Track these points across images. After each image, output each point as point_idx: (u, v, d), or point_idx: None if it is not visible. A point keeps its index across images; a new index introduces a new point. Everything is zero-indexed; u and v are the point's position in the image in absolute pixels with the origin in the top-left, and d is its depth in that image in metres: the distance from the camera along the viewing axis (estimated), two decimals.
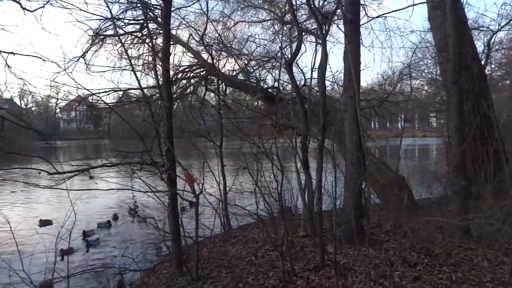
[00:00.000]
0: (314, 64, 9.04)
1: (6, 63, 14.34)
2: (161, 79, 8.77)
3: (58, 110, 77.86)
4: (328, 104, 8.49)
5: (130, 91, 14.04)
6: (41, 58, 14.35)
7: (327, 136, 7.44)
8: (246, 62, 12.33)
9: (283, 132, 9.63)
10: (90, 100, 14.55)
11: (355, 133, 7.28)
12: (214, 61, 11.38)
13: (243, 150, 8.93)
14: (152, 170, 7.93)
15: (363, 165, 6.91)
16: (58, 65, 12.61)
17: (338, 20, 10.96)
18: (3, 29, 14.34)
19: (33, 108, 63.72)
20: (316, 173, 6.26)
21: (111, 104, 14.25)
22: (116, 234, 11.75)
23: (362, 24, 9.12)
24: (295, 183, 9.02)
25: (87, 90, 7.88)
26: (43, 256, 5.95)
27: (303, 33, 9.31)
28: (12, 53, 14.94)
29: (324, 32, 7.70)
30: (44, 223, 12.29)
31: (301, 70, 11.11)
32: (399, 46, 15.16)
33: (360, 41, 8.07)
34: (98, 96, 11.14)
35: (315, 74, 8.91)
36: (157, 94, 12.19)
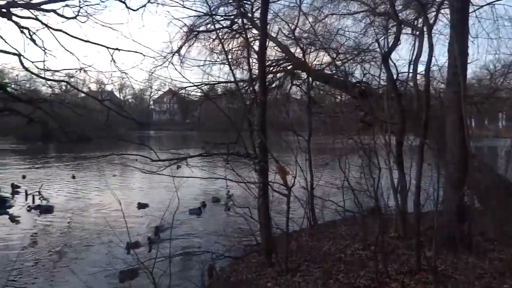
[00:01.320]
0: (412, 57, 8.53)
1: (112, 58, 15.61)
2: (252, 72, 9.01)
3: (151, 102, 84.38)
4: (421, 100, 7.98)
5: (219, 84, 14.69)
6: (141, 54, 15.46)
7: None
8: (335, 55, 12.08)
9: (370, 128, 9.29)
10: (183, 93, 15.47)
11: (459, 131, 6.74)
12: (303, 55, 11.31)
13: (334, 145, 8.77)
14: (243, 161, 8.20)
15: (466, 165, 6.38)
16: (156, 60, 13.71)
17: (440, 10, 10.17)
18: (110, 27, 15.62)
19: (130, 100, 69.91)
20: (416, 172, 5.92)
21: (201, 97, 15.01)
22: (204, 221, 12.39)
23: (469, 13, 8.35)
24: (385, 181, 8.66)
25: (192, 83, 8.35)
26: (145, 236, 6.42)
27: (402, 25, 8.81)
28: (117, 49, 16.22)
29: (429, 22, 7.21)
30: (142, 206, 13.41)
31: (394, 64, 10.57)
32: (509, 36, 13.45)
33: (468, 31, 7.42)
34: (194, 86, 11.75)
35: (405, 68, 8.42)
36: (246, 88, 12.58)
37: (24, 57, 15.83)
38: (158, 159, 7.43)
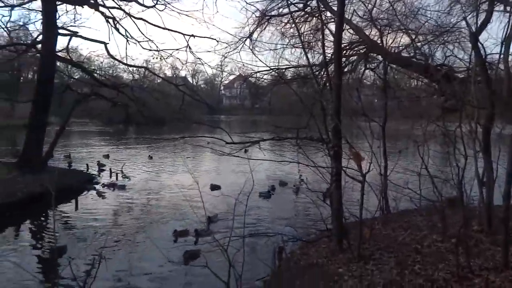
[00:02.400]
0: (504, 37, 7.70)
1: (188, 44, 16.28)
2: (325, 55, 8.81)
3: (222, 88, 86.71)
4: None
5: (289, 69, 14.59)
6: (215, 39, 15.84)
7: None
8: (414, 37, 11.36)
9: (452, 114, 8.65)
10: (254, 78, 15.63)
11: None
12: (380, 36, 10.79)
13: (413, 131, 8.34)
14: (314, 145, 8.13)
15: None
16: (228, 45, 13.99)
17: None
18: (186, 15, 16.20)
19: (202, 86, 72.45)
20: (507, 160, 5.40)
21: (272, 81, 15.06)
22: (274, 204, 12.58)
23: None
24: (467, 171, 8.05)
25: (269, 67, 8.42)
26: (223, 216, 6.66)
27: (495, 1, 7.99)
28: (192, 35, 16.84)
29: None
30: (214, 187, 13.97)
31: (482, 44, 9.65)
32: None
33: None
34: (265, 71, 11.80)
35: (495, 49, 7.62)
36: (318, 71, 12.38)
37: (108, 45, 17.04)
38: (232, 141, 7.67)
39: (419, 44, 11.60)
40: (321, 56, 9.77)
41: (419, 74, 12.14)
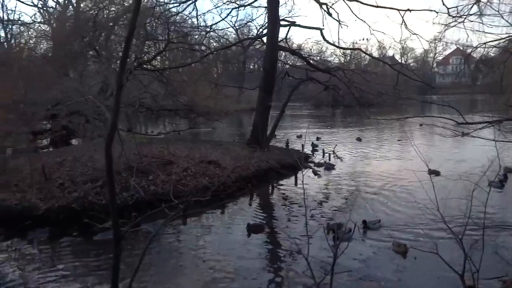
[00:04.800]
0: None
1: (403, 20, 15.35)
2: None
3: (434, 65, 78.78)
4: None
5: None
6: (434, 11, 14.37)
7: None
8: None
9: None
10: (477, 51, 13.52)
11: None
12: None
13: None
14: None
15: None
16: (450, 16, 12.43)
17: None
18: None
19: (411, 64, 67.44)
20: None
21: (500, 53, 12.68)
22: (506, 196, 10.74)
23: None
24: None
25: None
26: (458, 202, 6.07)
27: None
28: (408, 10, 15.82)
29: None
30: (432, 172, 12.88)
31: None
32: None
33: None
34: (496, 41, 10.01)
35: None
36: None
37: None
38: (465, 122, 6.87)
39: None
40: None
41: None
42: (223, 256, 7.64)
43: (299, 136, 24.01)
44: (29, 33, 23.81)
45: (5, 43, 23.49)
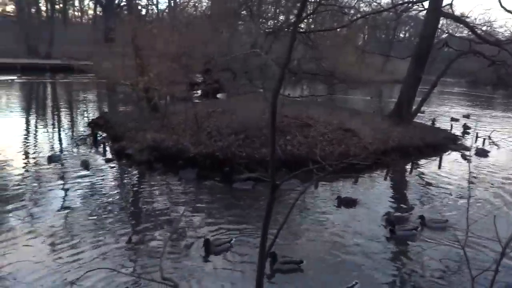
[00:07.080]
0: None
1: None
2: None
3: None
4: None
5: None
6: None
7: None
8: None
9: None
10: None
11: None
12: None
13: None
14: None
15: None
16: None
17: None
18: None
19: None
20: None
21: None
22: None
23: None
24: None
25: None
26: None
27: None
28: None
29: None
30: None
31: None
32: None
33: None
34: None
35: None
36: None
37: None
38: None
39: None
40: None
41: None
42: (343, 229, 7.56)
43: (466, 116, 21.77)
44: None
45: (172, 1, 26.09)
